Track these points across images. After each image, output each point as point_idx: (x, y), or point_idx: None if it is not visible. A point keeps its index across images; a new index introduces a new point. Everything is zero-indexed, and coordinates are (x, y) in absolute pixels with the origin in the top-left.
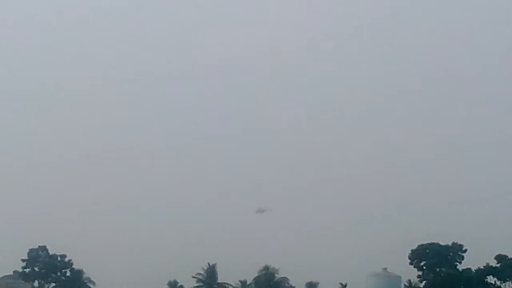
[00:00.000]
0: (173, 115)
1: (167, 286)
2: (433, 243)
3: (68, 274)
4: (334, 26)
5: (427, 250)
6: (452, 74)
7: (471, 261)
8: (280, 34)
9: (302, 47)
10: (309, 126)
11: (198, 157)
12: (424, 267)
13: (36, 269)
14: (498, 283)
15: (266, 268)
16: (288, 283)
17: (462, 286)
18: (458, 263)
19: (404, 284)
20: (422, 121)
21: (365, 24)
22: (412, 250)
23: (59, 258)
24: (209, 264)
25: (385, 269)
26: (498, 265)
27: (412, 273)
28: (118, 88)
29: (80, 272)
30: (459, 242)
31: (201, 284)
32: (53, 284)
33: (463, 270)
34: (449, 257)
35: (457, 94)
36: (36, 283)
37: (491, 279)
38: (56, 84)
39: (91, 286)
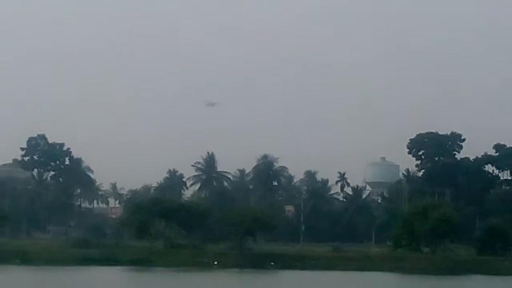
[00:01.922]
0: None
1: (167, 175)
2: (432, 132)
3: (67, 162)
4: None
5: (425, 140)
6: None
7: (469, 151)
8: None
9: None
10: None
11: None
12: (423, 156)
13: (35, 157)
14: (496, 172)
15: (265, 157)
16: (287, 172)
17: (460, 175)
18: (456, 152)
19: (402, 173)
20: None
21: None
22: (410, 139)
23: (58, 147)
24: (208, 153)
25: (383, 158)
26: (496, 154)
27: (410, 162)
28: None
29: (79, 160)
30: (457, 132)
31: (200, 173)
32: (52, 173)
33: (461, 159)
34: (447, 146)
35: None
36: (35, 172)
37: (489, 168)
38: None
39: (90, 174)
